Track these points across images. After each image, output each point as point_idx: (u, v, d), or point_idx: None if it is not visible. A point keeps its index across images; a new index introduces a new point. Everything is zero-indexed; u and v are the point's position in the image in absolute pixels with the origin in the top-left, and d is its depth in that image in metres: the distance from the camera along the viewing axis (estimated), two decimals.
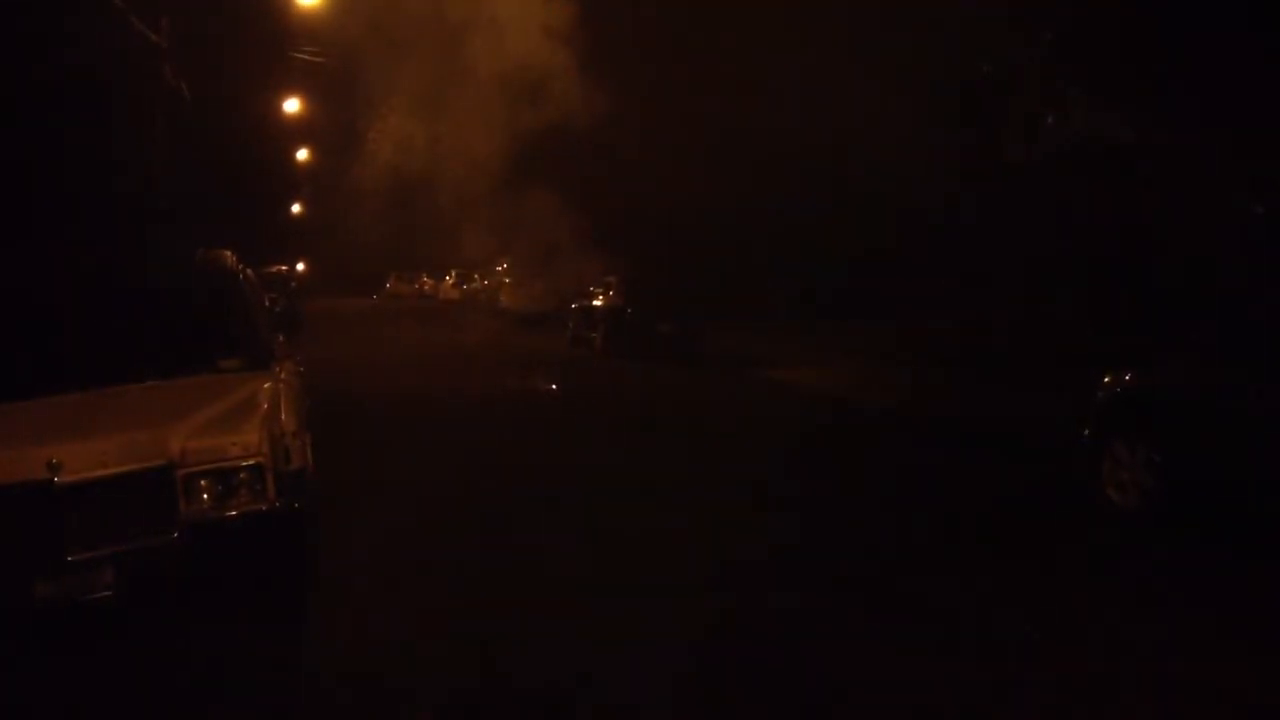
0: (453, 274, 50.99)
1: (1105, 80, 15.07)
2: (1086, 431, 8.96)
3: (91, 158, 16.54)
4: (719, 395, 16.69)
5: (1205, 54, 13.71)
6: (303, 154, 47.12)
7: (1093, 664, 5.40)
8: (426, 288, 57.51)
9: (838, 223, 22.79)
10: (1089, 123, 15.34)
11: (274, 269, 30.60)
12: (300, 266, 53.06)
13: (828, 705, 4.90)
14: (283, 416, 5.68)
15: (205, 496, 5.22)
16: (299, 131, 42.42)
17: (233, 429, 5.37)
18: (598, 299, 23.91)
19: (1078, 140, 15.74)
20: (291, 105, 36.92)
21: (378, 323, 35.62)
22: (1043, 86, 16.10)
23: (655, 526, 8.01)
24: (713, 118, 22.74)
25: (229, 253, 7.49)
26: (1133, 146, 14.96)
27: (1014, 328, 17.41)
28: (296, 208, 55.12)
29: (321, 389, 8.19)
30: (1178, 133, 14.46)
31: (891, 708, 4.88)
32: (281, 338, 7.80)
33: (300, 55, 30.30)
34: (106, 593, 5.07)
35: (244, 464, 5.27)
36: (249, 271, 7.64)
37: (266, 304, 8.57)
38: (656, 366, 19.45)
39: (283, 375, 6.48)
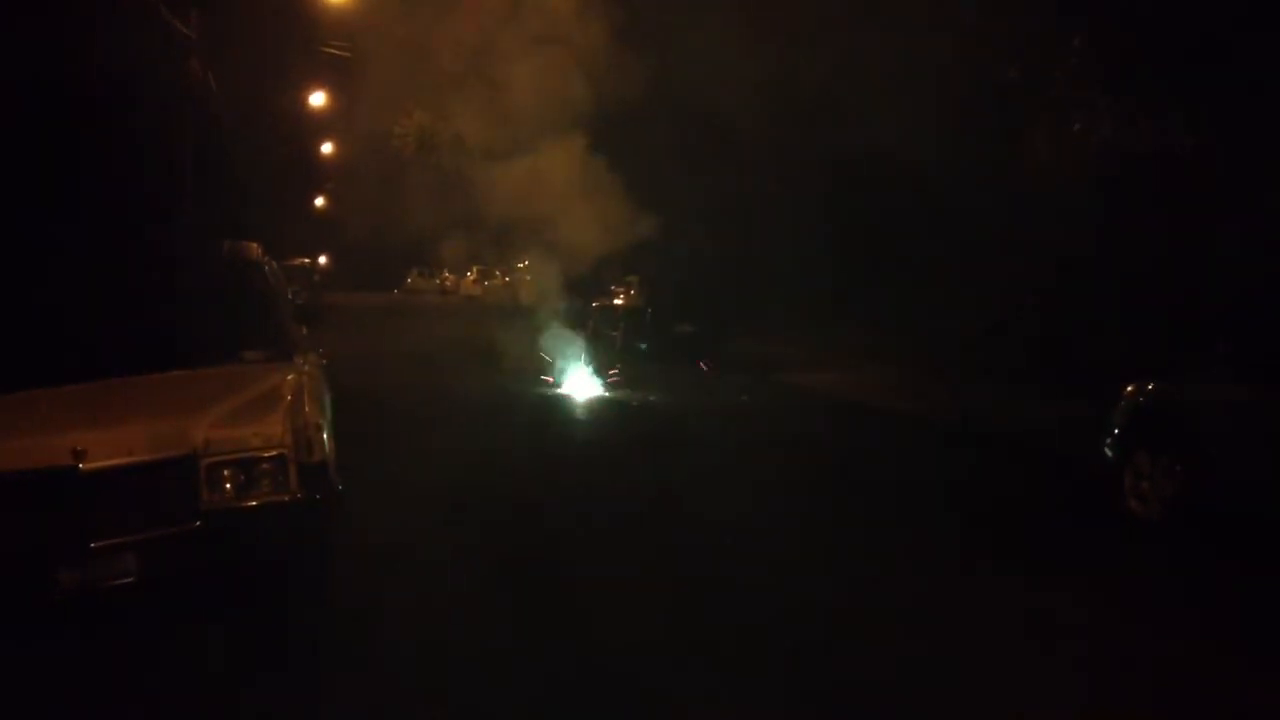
0: (474, 270, 51.01)
1: (1134, 87, 14.95)
2: (1108, 441, 8.91)
3: (119, 149, 16.62)
4: (738, 398, 16.64)
5: (1235, 62, 13.61)
6: (327, 147, 47.23)
7: (1108, 678, 5.38)
8: (448, 283, 57.54)
9: (860, 225, 22.70)
10: (1116, 130, 15.23)
11: (297, 262, 30.70)
12: (322, 260, 53.19)
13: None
14: (305, 408, 5.70)
15: (228, 486, 5.26)
16: (324, 125, 42.52)
17: (256, 420, 5.41)
18: (618, 298, 23.90)
19: (1104, 148, 15.62)
20: (317, 99, 37.01)
21: (398, 317, 35.69)
22: (1070, 93, 15.98)
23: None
24: (734, 115, 22.67)
25: (255, 244, 7.52)
26: (1160, 155, 14.83)
27: (1036, 334, 17.30)
28: (320, 201, 55.25)
29: (339, 382, 8.19)
30: (1206, 143, 14.35)
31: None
32: (304, 330, 7.83)
33: (327, 49, 30.37)
34: (128, 580, 5.11)
35: (266, 455, 5.31)
36: (273, 264, 7.67)
37: (289, 296, 8.60)
38: (676, 368, 19.39)
39: (306, 367, 6.50)
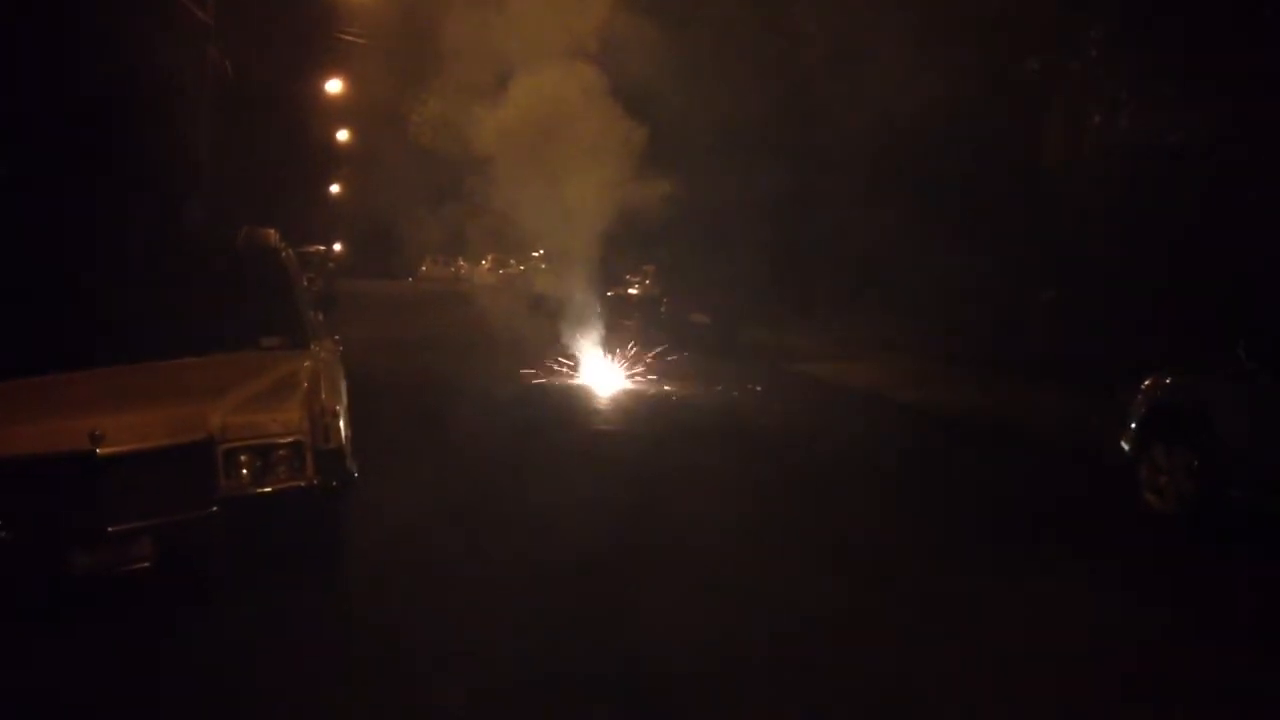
0: (489, 258, 50.91)
1: (1155, 80, 14.88)
2: (1125, 435, 8.88)
3: (136, 135, 16.67)
4: (754, 388, 16.60)
5: (1254, 54, 13.54)
6: (343, 135, 47.28)
7: (1120, 667, 5.36)
8: (462, 271, 57.48)
9: (873, 218, 22.64)
10: (1136, 123, 15.17)
11: (312, 249, 30.68)
12: (337, 247, 53.20)
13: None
14: (322, 395, 5.71)
15: (244, 472, 5.27)
16: (340, 112, 42.59)
17: (273, 406, 5.42)
18: (633, 287, 23.87)
19: (1124, 140, 15.56)
20: (334, 86, 37.07)
21: (412, 306, 35.73)
22: (1090, 85, 15.92)
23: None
24: (753, 107, 22.60)
25: (272, 231, 7.53)
26: (1181, 148, 14.76)
27: (1051, 327, 17.26)
28: (335, 188, 55.28)
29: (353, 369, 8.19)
30: (1228, 136, 14.26)
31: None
32: (320, 317, 7.84)
33: (344, 36, 30.41)
34: (144, 564, 5.13)
35: (283, 441, 5.33)
36: (289, 250, 7.67)
37: (305, 283, 8.60)
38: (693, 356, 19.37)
39: (322, 354, 6.51)
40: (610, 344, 17.87)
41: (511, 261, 46.06)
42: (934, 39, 17.91)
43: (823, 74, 19.99)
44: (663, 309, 22.10)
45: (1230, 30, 13.71)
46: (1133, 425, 8.82)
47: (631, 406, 14.18)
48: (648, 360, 17.60)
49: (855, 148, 20.83)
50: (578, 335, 17.58)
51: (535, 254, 40.38)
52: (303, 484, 5.33)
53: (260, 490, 5.28)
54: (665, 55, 17.37)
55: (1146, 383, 8.90)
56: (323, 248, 36.48)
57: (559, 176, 17.18)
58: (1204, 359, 8.99)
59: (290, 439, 5.32)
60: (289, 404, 5.44)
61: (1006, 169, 18.28)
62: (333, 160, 49.11)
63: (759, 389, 16.21)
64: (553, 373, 16.48)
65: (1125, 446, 8.87)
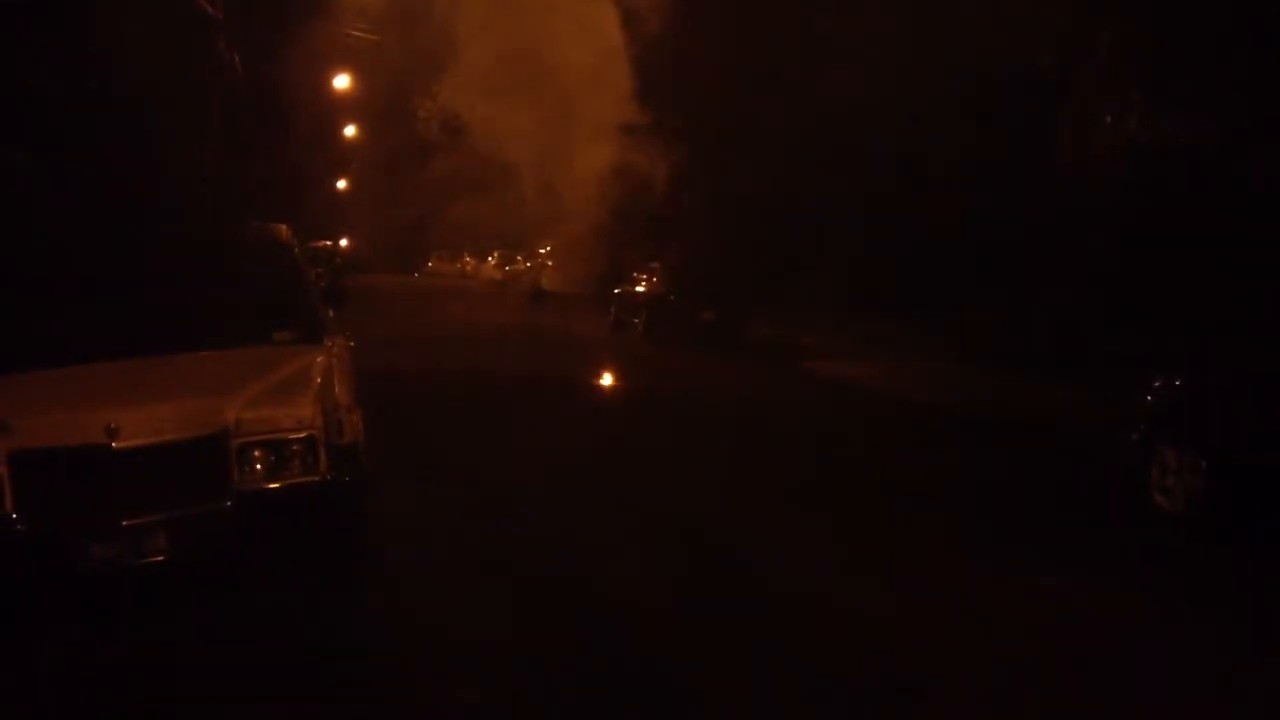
0: (495, 255, 50.99)
1: (1167, 81, 14.84)
2: (1134, 435, 8.87)
3: (147, 131, 16.69)
4: (758, 385, 16.63)
5: (1265, 56, 13.51)
6: (350, 130, 47.31)
7: (1124, 665, 5.37)
8: (468, 268, 57.53)
9: (883, 216, 22.65)
10: (1147, 124, 15.13)
11: (320, 244, 30.74)
12: (344, 242, 53.26)
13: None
14: (335, 390, 5.75)
15: (258, 467, 5.31)
16: (347, 107, 42.62)
17: (287, 401, 5.45)
18: (640, 284, 23.87)
19: (1134, 142, 15.52)
20: (341, 81, 37.05)
21: (420, 301, 35.74)
22: (1100, 85, 15.88)
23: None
24: (761, 105, 22.62)
25: (283, 226, 7.55)
26: (1191, 149, 14.72)
27: (1062, 327, 17.24)
28: (342, 184, 55.33)
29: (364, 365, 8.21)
30: (1239, 138, 14.24)
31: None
32: (331, 312, 7.86)
33: (353, 33, 30.44)
34: (159, 557, 5.17)
35: (297, 436, 5.36)
36: (299, 246, 7.70)
37: (314, 278, 8.62)
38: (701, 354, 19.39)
39: (335, 349, 6.53)
40: (617, 341, 17.88)
41: (518, 258, 46.14)
42: (944, 39, 17.91)
43: (834, 72, 19.97)
44: (670, 306, 22.09)
45: (1239, 32, 13.68)
46: (1141, 425, 8.81)
47: (638, 403, 14.21)
48: (653, 357, 17.61)
49: (862, 147, 20.82)
50: (581, 333, 17.59)
51: (541, 250, 40.51)
52: (316, 479, 5.36)
53: (273, 485, 5.31)
54: (678, 45, 17.41)
55: (1156, 383, 8.89)
56: (330, 243, 36.55)
57: (568, 173, 17.25)
58: (1213, 359, 8.98)
59: (303, 434, 5.35)
60: (302, 399, 5.46)
61: (1016, 168, 18.26)
62: (340, 155, 49.16)
63: (765, 386, 16.23)
64: (557, 369, 16.49)
65: (1134, 446, 8.85)
